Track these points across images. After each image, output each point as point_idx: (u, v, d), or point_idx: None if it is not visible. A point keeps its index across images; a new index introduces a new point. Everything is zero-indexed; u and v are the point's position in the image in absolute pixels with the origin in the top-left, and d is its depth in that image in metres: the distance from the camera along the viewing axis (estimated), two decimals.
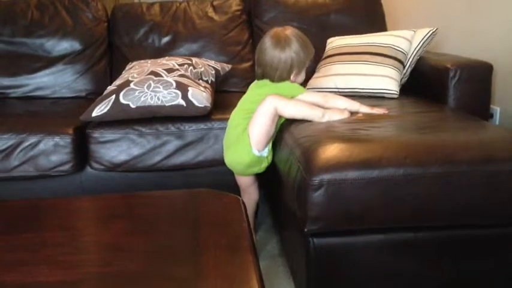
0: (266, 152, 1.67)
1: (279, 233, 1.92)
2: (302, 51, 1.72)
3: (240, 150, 1.66)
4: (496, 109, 2.01)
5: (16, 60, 2.33)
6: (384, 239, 1.30)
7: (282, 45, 1.70)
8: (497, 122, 2.02)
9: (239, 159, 1.68)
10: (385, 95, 1.93)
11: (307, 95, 1.71)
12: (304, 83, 2.04)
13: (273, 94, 1.61)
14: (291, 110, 1.60)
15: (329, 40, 2.28)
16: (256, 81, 1.83)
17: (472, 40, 2.20)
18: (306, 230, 1.27)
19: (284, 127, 1.66)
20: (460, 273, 1.33)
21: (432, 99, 1.89)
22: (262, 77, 1.76)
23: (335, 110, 1.64)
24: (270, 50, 1.70)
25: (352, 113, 1.65)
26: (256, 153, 1.64)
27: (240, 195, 1.26)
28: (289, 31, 1.74)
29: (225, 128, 1.79)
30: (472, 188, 1.25)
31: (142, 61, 2.09)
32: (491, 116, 2.01)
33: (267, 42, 1.72)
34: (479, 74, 1.83)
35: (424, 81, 2.00)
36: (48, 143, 1.75)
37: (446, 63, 1.86)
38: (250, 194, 1.78)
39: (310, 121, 1.59)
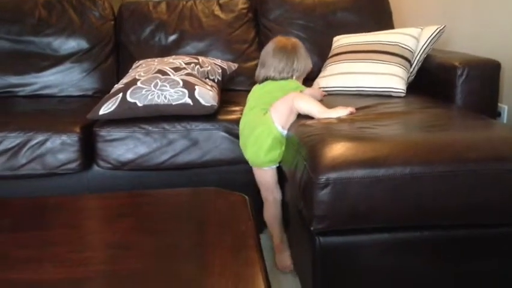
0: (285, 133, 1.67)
1: (285, 231, 1.92)
2: (304, 59, 1.83)
3: (262, 131, 1.65)
4: (504, 107, 2.00)
5: (24, 58, 2.34)
6: (390, 237, 1.30)
7: (288, 49, 1.80)
8: (504, 121, 2.01)
9: (261, 143, 1.65)
10: (392, 94, 1.92)
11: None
12: (310, 82, 2.04)
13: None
14: (303, 103, 1.63)
15: (335, 38, 2.27)
16: (257, 85, 1.86)
17: (479, 38, 2.18)
18: (312, 228, 1.26)
19: (290, 126, 1.66)
20: (467, 272, 1.32)
21: (439, 98, 1.88)
22: (266, 79, 1.81)
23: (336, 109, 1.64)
24: (277, 53, 1.79)
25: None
26: (280, 128, 1.64)
27: (247, 195, 1.26)
28: (295, 40, 1.88)
29: (231, 128, 1.79)
30: (479, 186, 1.24)
31: (149, 60, 2.10)
32: (499, 114, 1.99)
33: (274, 45, 1.82)
34: (487, 72, 1.82)
35: (431, 80, 1.99)
36: (55, 141, 1.76)
37: (453, 61, 1.85)
38: (273, 193, 1.74)
39: (316, 119, 1.59)
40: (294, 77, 1.81)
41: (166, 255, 0.97)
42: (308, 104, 1.63)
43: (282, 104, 1.65)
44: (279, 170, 1.73)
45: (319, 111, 1.60)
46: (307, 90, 1.82)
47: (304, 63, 1.83)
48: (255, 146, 1.68)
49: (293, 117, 1.65)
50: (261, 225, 1.98)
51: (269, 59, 1.79)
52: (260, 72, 1.83)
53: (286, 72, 1.79)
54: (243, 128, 1.75)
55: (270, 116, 1.64)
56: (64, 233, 1.08)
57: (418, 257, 1.30)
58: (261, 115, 1.68)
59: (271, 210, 1.75)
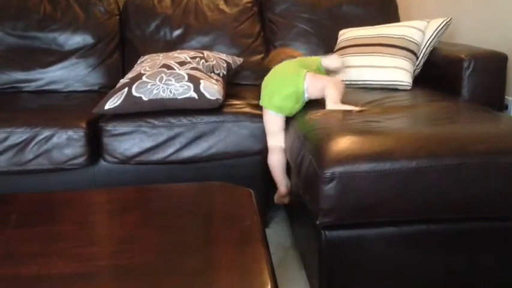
0: (305, 99, 1.73)
1: (290, 225, 1.92)
2: None
3: (290, 79, 1.73)
4: (511, 100, 1.98)
5: (29, 54, 2.35)
6: (396, 231, 1.29)
7: None
8: None
9: (283, 87, 1.72)
10: (398, 87, 1.91)
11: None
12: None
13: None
14: (332, 93, 1.69)
15: (341, 32, 2.26)
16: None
17: (486, 30, 2.17)
18: (318, 222, 1.26)
19: (296, 119, 1.66)
20: (473, 265, 1.32)
21: (446, 91, 1.87)
22: None
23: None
24: None
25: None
26: (305, 91, 1.70)
27: (253, 189, 1.26)
28: None
29: (236, 121, 1.79)
30: (486, 180, 1.24)
31: (154, 54, 2.10)
32: (506, 107, 1.98)
33: None
34: (494, 65, 1.81)
35: (437, 72, 1.97)
36: (61, 136, 1.77)
37: (460, 53, 1.84)
38: (278, 140, 1.77)
39: (322, 113, 1.58)
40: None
41: (173, 249, 0.97)
42: (335, 95, 1.67)
43: (319, 81, 1.72)
44: (286, 162, 1.74)
45: (335, 103, 1.65)
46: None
47: None
48: (277, 86, 1.75)
49: (317, 95, 1.72)
50: (266, 219, 1.99)
51: None
52: None
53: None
54: (278, 68, 1.83)
55: (304, 77, 1.71)
56: (71, 227, 1.09)
57: (424, 250, 1.30)
58: (300, 68, 1.77)
59: (275, 156, 1.78)
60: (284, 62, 1.88)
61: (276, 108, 1.73)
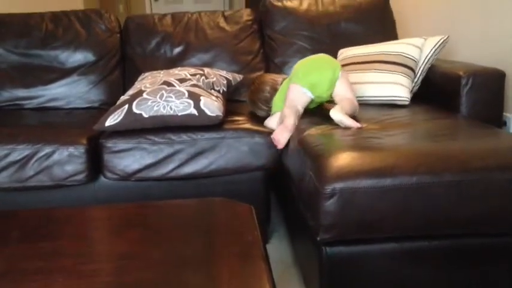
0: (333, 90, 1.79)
1: (291, 241, 1.92)
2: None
3: (334, 64, 1.82)
4: (509, 117, 2.00)
5: (31, 71, 2.37)
6: (397, 247, 1.29)
7: None
8: (510, 130, 2.00)
9: (329, 67, 1.80)
10: (396, 102, 1.92)
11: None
12: None
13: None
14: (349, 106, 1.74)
15: (340, 52, 2.29)
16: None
17: (484, 48, 2.19)
18: (318, 238, 1.26)
19: (297, 135, 1.67)
20: (475, 281, 1.32)
21: (445, 107, 1.88)
22: None
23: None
24: None
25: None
26: (339, 74, 1.79)
27: (253, 205, 1.26)
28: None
29: (236, 137, 1.80)
30: (486, 196, 1.24)
31: (155, 72, 2.11)
32: (505, 123, 1.99)
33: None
34: (491, 82, 1.82)
35: (436, 89, 1.99)
36: (62, 153, 1.77)
37: (458, 70, 1.86)
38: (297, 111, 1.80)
39: (322, 129, 1.59)
40: None
41: (174, 265, 0.97)
42: (347, 106, 1.71)
43: (348, 83, 1.82)
44: (286, 178, 1.74)
45: (341, 112, 1.65)
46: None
47: None
48: (316, 67, 1.82)
49: (340, 93, 1.79)
50: (267, 235, 1.98)
51: None
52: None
53: None
54: (312, 58, 1.90)
55: (340, 68, 1.80)
56: (72, 244, 1.09)
57: (425, 266, 1.30)
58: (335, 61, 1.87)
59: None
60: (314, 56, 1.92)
61: (310, 85, 1.77)
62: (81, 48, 2.42)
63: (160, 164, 1.80)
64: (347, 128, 1.60)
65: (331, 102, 1.83)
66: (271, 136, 1.76)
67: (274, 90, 1.98)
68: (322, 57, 1.87)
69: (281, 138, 1.72)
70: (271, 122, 1.89)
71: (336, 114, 1.63)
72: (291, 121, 1.73)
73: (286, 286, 1.68)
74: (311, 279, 1.45)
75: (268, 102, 1.98)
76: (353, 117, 1.68)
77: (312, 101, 1.82)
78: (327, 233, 1.25)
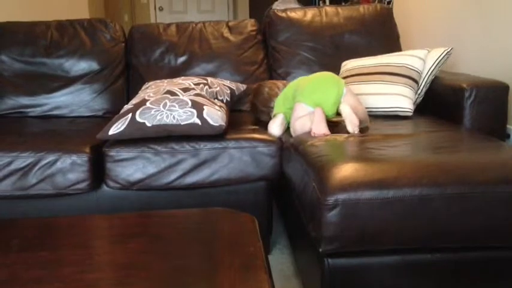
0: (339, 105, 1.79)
1: (293, 252, 1.91)
2: None
3: (337, 81, 1.82)
4: None
5: (35, 79, 2.38)
6: (399, 260, 1.29)
7: None
8: None
9: (332, 85, 1.80)
10: (399, 113, 1.92)
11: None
12: None
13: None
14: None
15: (343, 63, 2.29)
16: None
17: (487, 60, 2.19)
18: (320, 250, 1.26)
19: (299, 145, 1.67)
20: None
21: (448, 119, 1.88)
22: None
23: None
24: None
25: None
26: (344, 90, 1.78)
27: (255, 215, 1.26)
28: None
29: (239, 147, 1.80)
30: (489, 209, 1.24)
31: (158, 81, 2.12)
32: (508, 136, 1.99)
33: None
34: (495, 94, 1.82)
35: (439, 101, 1.99)
36: (65, 161, 1.77)
37: (461, 83, 1.86)
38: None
39: (325, 140, 1.59)
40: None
41: (176, 275, 0.97)
42: (359, 108, 1.78)
43: (355, 97, 1.82)
44: (288, 189, 1.73)
45: (350, 110, 1.72)
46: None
47: None
48: (318, 86, 1.83)
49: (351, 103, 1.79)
50: (269, 246, 1.98)
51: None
52: None
53: None
54: (315, 76, 1.90)
55: (344, 84, 1.81)
56: (74, 253, 1.09)
57: (428, 279, 1.29)
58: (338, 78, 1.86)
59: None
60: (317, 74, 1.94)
61: (315, 103, 1.77)
62: (86, 57, 2.43)
63: (163, 173, 1.80)
64: (349, 138, 1.60)
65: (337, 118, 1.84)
66: (312, 133, 1.73)
67: (273, 91, 2.02)
68: (326, 76, 1.87)
69: (320, 130, 1.72)
70: (273, 126, 1.90)
71: (345, 107, 1.70)
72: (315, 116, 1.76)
73: None
74: None
75: (267, 103, 2.01)
76: (362, 129, 1.71)
77: None
78: (329, 245, 1.24)
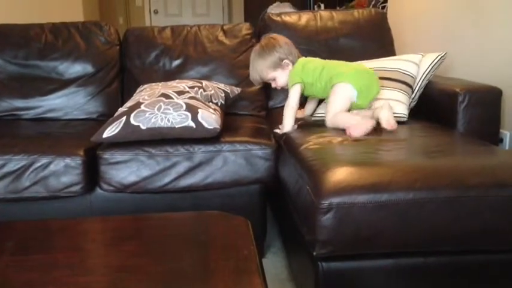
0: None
1: (287, 256, 1.91)
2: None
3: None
4: (506, 134, 2.01)
5: (29, 82, 2.37)
6: (394, 263, 1.29)
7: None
8: (507, 147, 2.01)
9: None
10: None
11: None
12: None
13: None
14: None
15: None
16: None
17: (481, 65, 2.21)
18: (315, 253, 1.26)
19: (293, 148, 1.67)
20: None
21: (441, 124, 1.89)
22: None
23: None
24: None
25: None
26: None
27: (250, 218, 1.26)
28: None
29: (233, 150, 1.80)
30: (482, 213, 1.24)
31: (153, 84, 2.12)
32: (501, 140, 2.00)
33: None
34: (488, 99, 1.84)
35: (433, 106, 2.00)
36: (59, 164, 1.77)
37: (455, 87, 1.87)
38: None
39: (320, 144, 1.60)
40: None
41: (169, 279, 0.96)
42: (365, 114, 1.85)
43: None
44: (283, 192, 1.73)
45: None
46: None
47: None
48: (373, 83, 1.90)
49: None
50: (263, 249, 1.98)
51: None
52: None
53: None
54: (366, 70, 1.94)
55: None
56: (67, 256, 1.08)
57: (422, 283, 1.30)
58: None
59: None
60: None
61: (360, 89, 1.84)
62: (80, 59, 2.42)
63: (157, 176, 1.80)
64: (344, 141, 1.60)
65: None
66: (348, 134, 1.72)
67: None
68: (369, 69, 1.94)
69: (360, 131, 1.71)
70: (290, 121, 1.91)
71: (389, 108, 1.80)
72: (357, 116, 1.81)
73: None
74: None
75: (286, 54, 1.99)
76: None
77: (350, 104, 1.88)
78: (323, 248, 1.24)
